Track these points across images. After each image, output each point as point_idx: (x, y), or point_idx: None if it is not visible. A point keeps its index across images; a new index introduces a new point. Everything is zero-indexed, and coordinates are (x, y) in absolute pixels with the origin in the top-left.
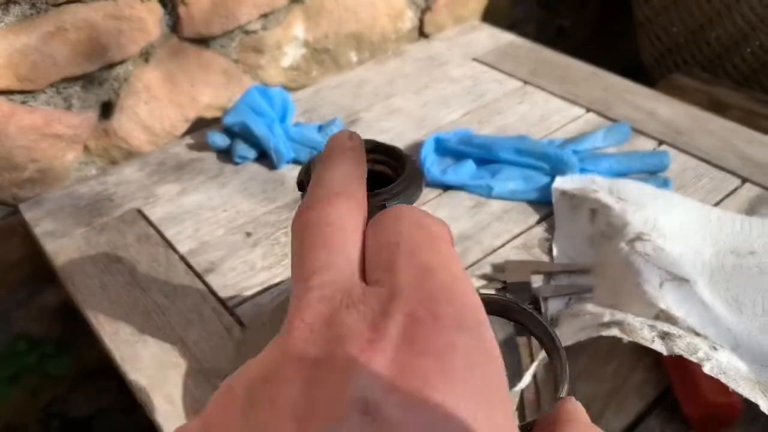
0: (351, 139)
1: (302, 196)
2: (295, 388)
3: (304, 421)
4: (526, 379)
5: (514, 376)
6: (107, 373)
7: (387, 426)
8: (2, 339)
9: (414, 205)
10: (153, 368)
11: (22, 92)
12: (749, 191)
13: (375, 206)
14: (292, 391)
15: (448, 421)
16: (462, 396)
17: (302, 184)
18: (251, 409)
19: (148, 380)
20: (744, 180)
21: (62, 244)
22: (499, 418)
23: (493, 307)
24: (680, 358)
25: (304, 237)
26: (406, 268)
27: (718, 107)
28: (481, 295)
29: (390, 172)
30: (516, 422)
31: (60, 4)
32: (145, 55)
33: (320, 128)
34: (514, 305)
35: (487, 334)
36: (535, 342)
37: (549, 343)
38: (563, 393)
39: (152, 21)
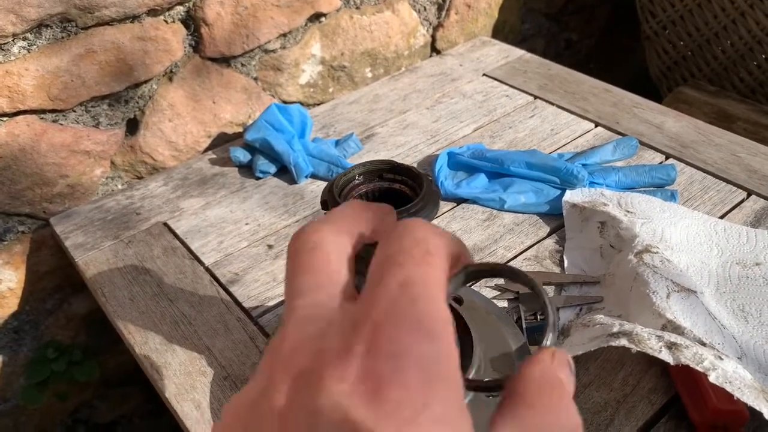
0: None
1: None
2: (282, 398)
3: (286, 425)
4: None
5: None
6: (131, 381)
7: (350, 423)
8: (33, 346)
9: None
10: (181, 376)
11: (53, 111)
12: (755, 203)
13: None
14: (279, 401)
15: (399, 412)
16: (412, 392)
17: (326, 203)
18: (249, 422)
19: (176, 387)
20: (750, 193)
21: (92, 257)
22: (449, 409)
23: (489, 272)
24: (687, 367)
25: (294, 262)
26: (389, 282)
27: (724, 119)
28: (481, 263)
29: (407, 191)
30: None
31: (89, 27)
32: (169, 74)
33: (337, 143)
34: (507, 271)
35: (441, 340)
36: None
37: (541, 297)
38: (548, 342)
39: (176, 41)
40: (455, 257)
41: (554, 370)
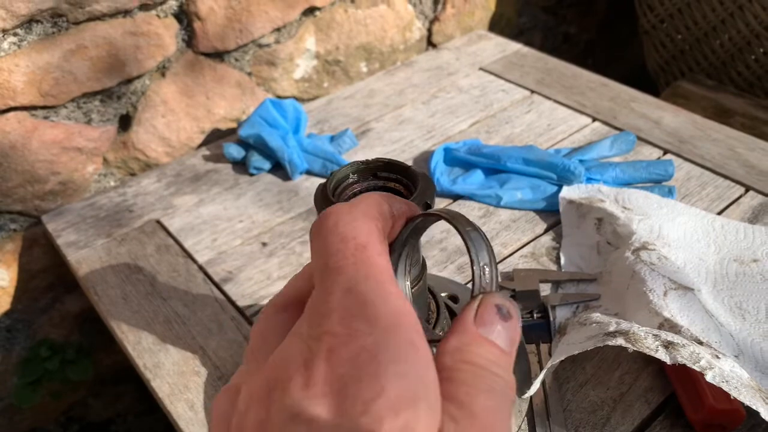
0: None
1: (318, 214)
2: (261, 411)
3: None
4: (536, 385)
5: (524, 382)
6: (125, 378)
7: (315, 423)
8: (26, 345)
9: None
10: (174, 376)
11: (44, 107)
12: (752, 199)
13: None
14: (257, 414)
15: (355, 405)
16: (365, 385)
17: (319, 202)
18: None
19: (170, 387)
20: (747, 188)
21: (84, 255)
22: (403, 391)
23: (431, 217)
24: (683, 366)
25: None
26: (335, 291)
27: (722, 114)
28: (424, 212)
29: (402, 189)
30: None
31: (80, 22)
32: (162, 70)
33: (332, 139)
34: (433, 215)
35: (393, 332)
36: (543, 349)
37: (458, 229)
38: (476, 290)
39: (168, 36)
40: (389, 217)
41: (475, 338)
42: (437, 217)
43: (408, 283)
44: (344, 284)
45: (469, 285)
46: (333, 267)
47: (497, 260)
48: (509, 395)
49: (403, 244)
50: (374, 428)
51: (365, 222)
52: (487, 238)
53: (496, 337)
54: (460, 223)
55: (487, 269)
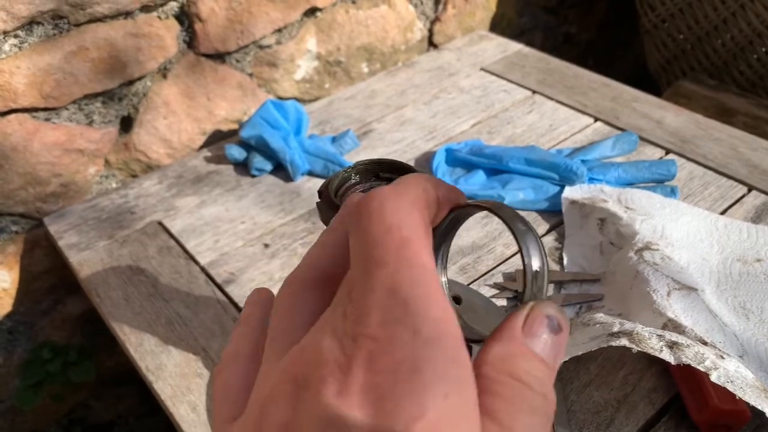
0: None
1: (318, 204)
2: (285, 410)
3: None
4: None
5: None
6: (126, 380)
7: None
8: (28, 347)
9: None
10: (177, 378)
11: (45, 109)
12: (755, 199)
13: None
14: (282, 414)
15: (396, 421)
16: (407, 402)
17: (320, 193)
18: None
19: (172, 389)
20: (750, 188)
21: (86, 257)
22: (445, 413)
23: (477, 209)
24: (688, 366)
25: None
26: (376, 288)
27: (724, 114)
28: (470, 202)
29: None
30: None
31: (81, 24)
32: (163, 71)
33: (333, 140)
34: (488, 207)
35: (436, 343)
36: None
37: (514, 235)
38: (526, 296)
39: (170, 38)
40: (435, 204)
41: (521, 349)
42: (481, 209)
43: (446, 279)
44: (387, 283)
45: (472, 286)
46: (375, 260)
47: (500, 260)
48: (549, 415)
49: (442, 236)
50: None
51: (411, 212)
52: (539, 238)
53: (542, 350)
54: (510, 219)
55: (539, 275)
